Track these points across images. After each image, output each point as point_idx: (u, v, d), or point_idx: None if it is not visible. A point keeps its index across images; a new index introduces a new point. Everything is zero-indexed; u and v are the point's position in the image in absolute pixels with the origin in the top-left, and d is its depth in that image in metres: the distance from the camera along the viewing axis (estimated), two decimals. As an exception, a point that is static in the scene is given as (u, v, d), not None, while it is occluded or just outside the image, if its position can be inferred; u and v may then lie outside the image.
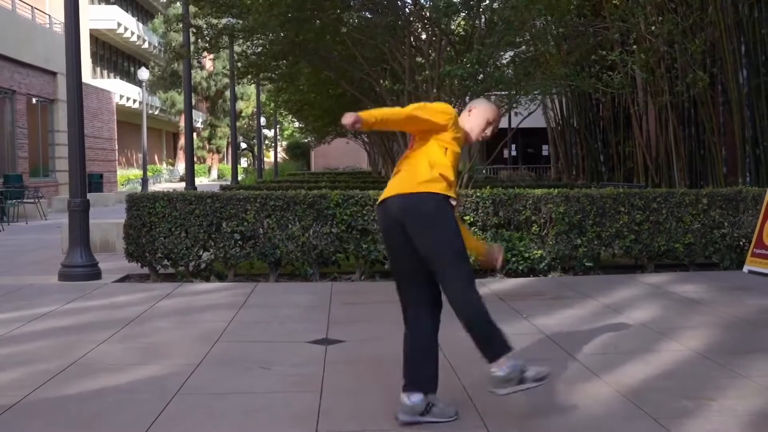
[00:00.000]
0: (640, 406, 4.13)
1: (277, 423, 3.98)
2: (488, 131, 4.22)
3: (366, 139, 29.73)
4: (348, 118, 3.76)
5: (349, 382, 4.68)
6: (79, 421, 4.04)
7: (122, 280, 8.99)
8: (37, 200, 20.41)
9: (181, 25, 13.89)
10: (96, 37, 45.64)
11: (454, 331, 5.75)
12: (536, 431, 3.83)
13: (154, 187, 38.93)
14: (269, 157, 62.33)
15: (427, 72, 11.14)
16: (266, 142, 59.45)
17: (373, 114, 3.85)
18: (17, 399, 4.38)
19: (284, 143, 61.24)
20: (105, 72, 48.94)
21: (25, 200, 20.08)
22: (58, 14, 27.58)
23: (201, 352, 5.45)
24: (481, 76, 11.12)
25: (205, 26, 13.41)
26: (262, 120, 39.77)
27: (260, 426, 3.93)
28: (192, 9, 14.47)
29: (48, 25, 28.04)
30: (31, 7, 26.57)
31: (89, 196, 9.87)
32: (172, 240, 8.73)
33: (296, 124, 43.14)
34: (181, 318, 6.77)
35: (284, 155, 61.15)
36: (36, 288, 8.44)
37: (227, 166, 59.79)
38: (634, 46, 13.62)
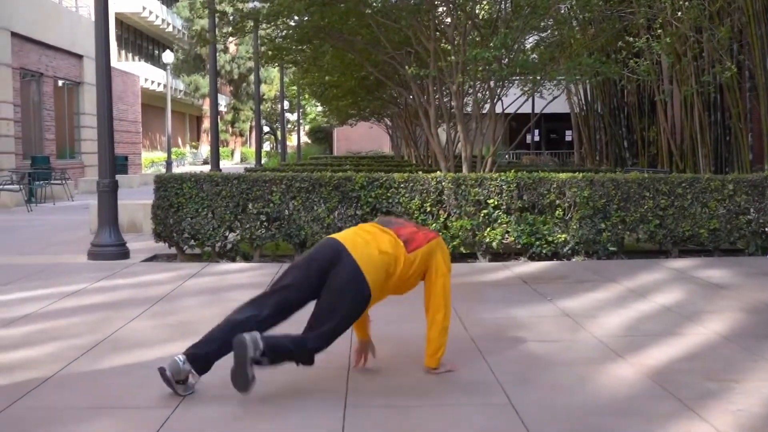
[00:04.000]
0: (664, 387, 4.17)
1: (306, 399, 4.05)
2: None
3: (389, 123, 29.73)
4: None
5: (375, 360, 4.75)
6: (113, 395, 4.14)
7: (150, 259, 9.12)
8: (64, 182, 20.64)
9: (206, 11, 13.95)
10: (121, 21, 45.93)
11: (478, 314, 5.81)
12: (559, 408, 3.88)
13: (177, 170, 39.19)
14: (292, 141, 62.53)
15: (452, 57, 11.14)
16: (289, 125, 59.59)
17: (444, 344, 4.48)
18: (52, 372, 4.49)
19: (307, 127, 61.37)
20: (129, 55, 49.23)
21: (52, 182, 20.31)
22: (84, -3, 27.87)
23: (229, 330, 5.53)
24: (506, 60, 11.11)
25: (230, 11, 13.45)
26: (285, 104, 39.86)
27: (290, 401, 4.01)
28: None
29: (74, 8, 28.24)
30: (58, -10, 26.78)
31: (115, 177, 9.99)
32: (198, 221, 8.84)
33: (319, 108, 43.23)
34: (209, 297, 6.88)
35: (307, 139, 61.30)
36: (66, 267, 8.59)
37: (250, 150, 60.11)
38: (660, 31, 13.53)
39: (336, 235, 4.31)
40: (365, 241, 4.23)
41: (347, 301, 4.10)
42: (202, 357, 4.05)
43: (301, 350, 4.05)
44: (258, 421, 3.72)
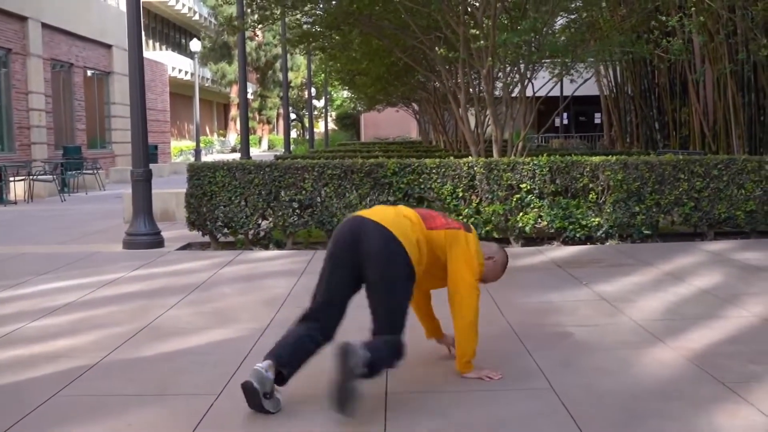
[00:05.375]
0: (706, 370, 4.14)
1: (347, 384, 4.07)
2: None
3: (416, 108, 29.64)
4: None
5: (413, 346, 4.75)
6: (157, 382, 4.19)
7: (184, 248, 9.20)
8: (95, 171, 20.85)
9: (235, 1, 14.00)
10: (148, 10, 46.12)
11: (513, 299, 5.78)
12: (601, 391, 3.86)
13: (206, 158, 39.44)
14: (318, 128, 62.60)
15: (482, 42, 11.07)
16: (315, 112, 59.65)
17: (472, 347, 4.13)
18: (96, 360, 4.56)
19: (333, 113, 61.35)
20: (157, 44, 49.47)
21: (84, 171, 20.53)
22: (112, -13, 28.06)
23: (267, 317, 5.59)
24: (535, 43, 11.02)
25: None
26: (312, 90, 39.88)
27: (331, 387, 4.04)
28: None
29: (103, -2, 28.41)
30: (86, -20, 26.95)
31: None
32: (232, 209, 8.90)
33: (345, 94, 43.21)
34: (245, 284, 6.93)
35: (333, 125, 61.31)
36: (102, 256, 8.69)
37: (278, 137, 60.28)
38: (692, 9, 13.34)
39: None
40: (384, 209, 3.97)
41: (391, 265, 3.75)
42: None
43: (393, 350, 3.77)
44: (302, 408, 3.74)
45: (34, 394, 3.95)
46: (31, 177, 17.56)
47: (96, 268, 7.81)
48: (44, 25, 22.26)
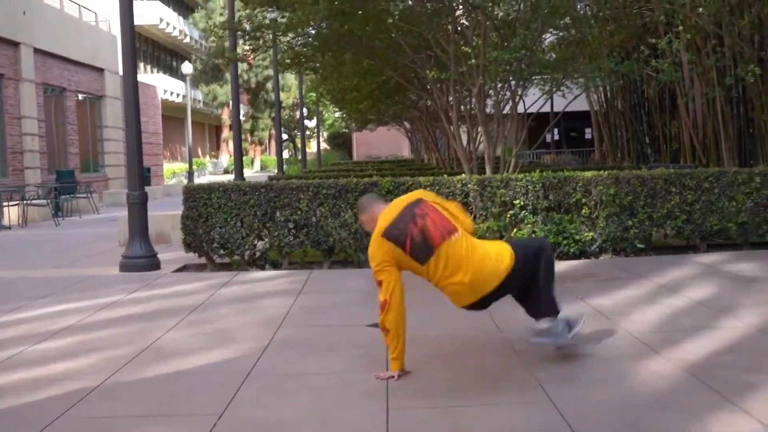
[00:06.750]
0: (703, 381, 4.20)
1: (349, 401, 4.12)
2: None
3: (408, 126, 29.78)
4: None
5: (413, 361, 4.80)
6: (159, 402, 4.22)
7: (181, 269, 9.22)
8: (89, 195, 20.86)
9: (225, 31, 14.17)
10: (139, 33, 46.24)
11: (509, 313, 5.80)
12: (598, 403, 3.91)
13: (198, 180, 39.44)
14: (311, 147, 62.69)
15: (473, 60, 11.18)
16: (307, 132, 59.76)
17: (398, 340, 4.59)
18: (98, 382, 4.59)
19: (325, 133, 61.51)
20: (148, 67, 49.61)
21: (77, 195, 20.54)
22: (103, 11, 28.19)
23: (266, 337, 5.63)
24: (526, 60, 11.14)
25: (248, 27, 13.50)
26: (304, 110, 40.00)
27: (333, 403, 4.08)
28: (238, 4, 14.65)
29: (94, 23, 28.53)
30: (78, 5, 27.07)
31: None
32: (227, 230, 8.94)
33: (337, 114, 43.36)
34: (243, 305, 6.96)
35: (325, 145, 61.45)
36: (99, 279, 8.71)
37: (270, 158, 60.34)
38: (680, 28, 13.49)
39: None
40: None
41: None
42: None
43: None
44: (300, 426, 3.78)
45: (40, 417, 3.98)
46: (24, 201, 17.56)
47: (94, 291, 7.83)
48: (36, 50, 22.33)
